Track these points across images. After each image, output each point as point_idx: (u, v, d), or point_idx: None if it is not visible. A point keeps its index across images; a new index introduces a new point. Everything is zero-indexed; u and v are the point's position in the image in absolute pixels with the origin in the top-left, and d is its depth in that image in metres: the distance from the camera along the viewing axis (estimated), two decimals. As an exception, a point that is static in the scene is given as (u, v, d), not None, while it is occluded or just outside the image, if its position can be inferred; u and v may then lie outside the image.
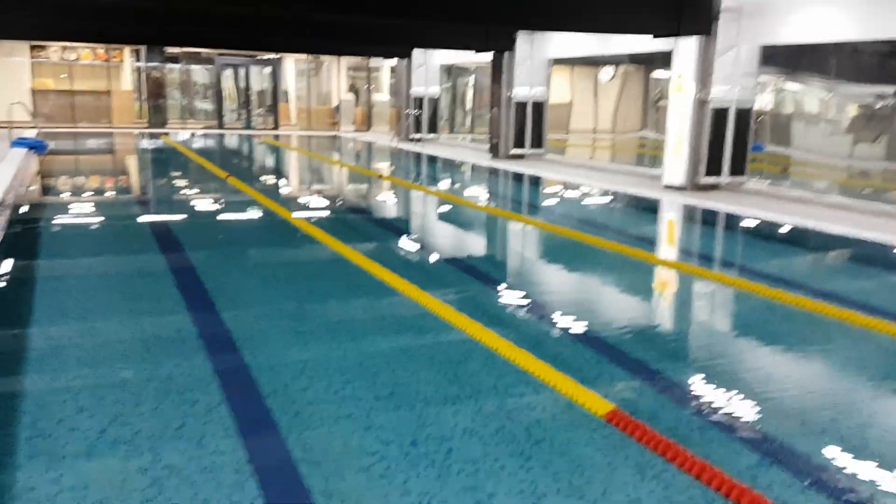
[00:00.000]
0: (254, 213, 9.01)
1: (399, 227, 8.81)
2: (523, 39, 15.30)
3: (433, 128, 21.20)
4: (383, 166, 16.21)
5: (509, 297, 5.44)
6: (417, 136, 20.86)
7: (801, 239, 8.11)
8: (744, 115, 10.62)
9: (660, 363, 4.05)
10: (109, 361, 3.83)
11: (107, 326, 4.44)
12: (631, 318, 5.13)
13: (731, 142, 10.58)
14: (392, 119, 27.20)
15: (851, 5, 9.00)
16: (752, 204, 9.65)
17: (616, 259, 6.87)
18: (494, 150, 16.02)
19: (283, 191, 11.85)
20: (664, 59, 19.40)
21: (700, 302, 5.93)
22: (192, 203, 9.96)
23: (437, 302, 4.94)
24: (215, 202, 9.96)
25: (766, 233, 8.40)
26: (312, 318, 4.77)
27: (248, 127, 25.89)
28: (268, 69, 26.84)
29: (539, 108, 15.72)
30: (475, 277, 6.14)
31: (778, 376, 4.02)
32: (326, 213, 9.22)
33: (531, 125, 15.68)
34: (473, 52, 15.92)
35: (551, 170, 13.95)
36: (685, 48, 10.55)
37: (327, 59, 28.12)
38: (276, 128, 26.09)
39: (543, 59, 15.51)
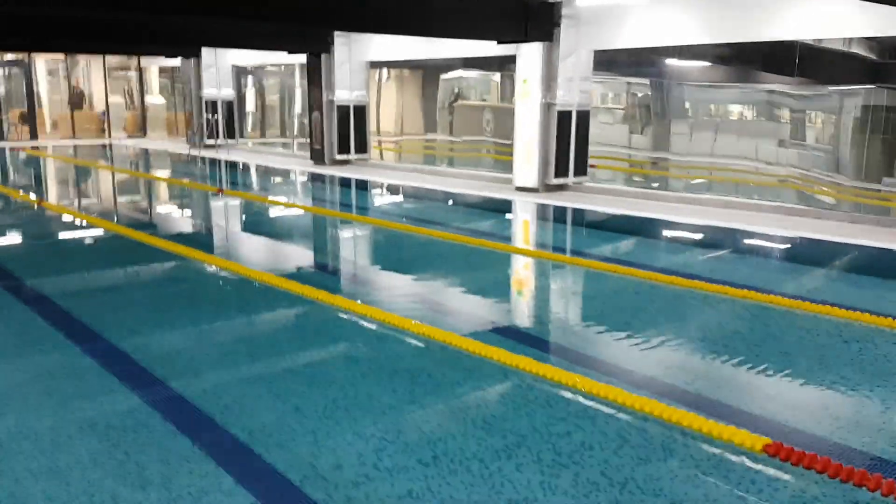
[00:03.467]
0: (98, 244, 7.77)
1: (287, 250, 8.12)
2: (341, 41, 14.87)
3: (230, 133, 19.91)
4: (196, 177, 14.88)
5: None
6: (212, 142, 19.45)
7: (649, 226, 8.89)
8: (583, 118, 11.25)
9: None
10: None
11: None
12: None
13: (575, 143, 11.15)
14: (172, 124, 25.16)
15: (668, 18, 9.98)
16: (600, 202, 10.33)
17: (500, 255, 7.09)
18: (317, 156, 15.43)
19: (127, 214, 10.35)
20: (469, 63, 19.91)
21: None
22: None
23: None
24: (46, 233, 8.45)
25: (629, 225, 9.05)
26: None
27: (-2, 138, 22.37)
28: (16, 70, 23.40)
29: (361, 111, 15.40)
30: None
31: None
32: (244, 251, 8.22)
33: (354, 129, 15.32)
34: (287, 53, 15.16)
35: (392, 175, 13.74)
36: (528, 54, 10.90)
37: (84, 58, 25.13)
38: (34, 137, 22.84)
39: (362, 62, 15.20)
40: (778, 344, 4.74)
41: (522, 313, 5.74)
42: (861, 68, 15.18)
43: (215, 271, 6.67)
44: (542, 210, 10.25)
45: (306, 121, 26.60)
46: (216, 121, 19.37)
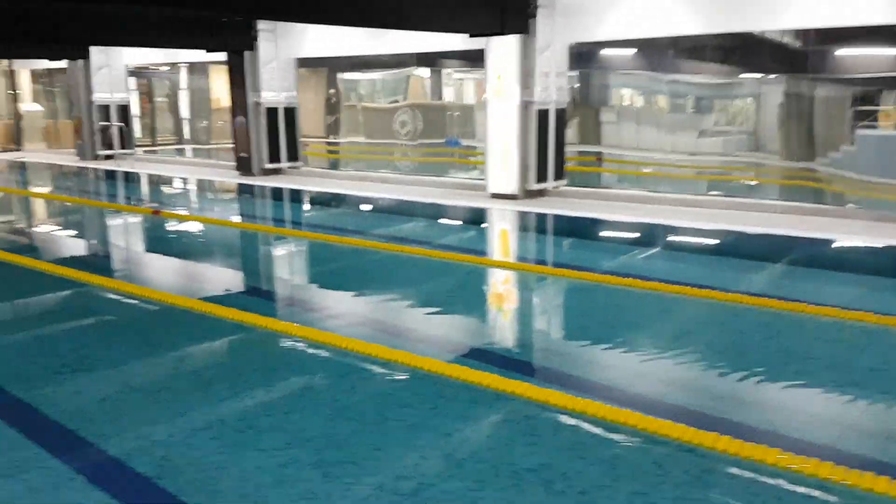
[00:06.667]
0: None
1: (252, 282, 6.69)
2: (266, 36, 13.30)
3: (126, 141, 17.73)
4: (111, 197, 12.89)
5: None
6: (108, 152, 17.25)
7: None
8: (562, 116, 10.35)
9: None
10: None
11: None
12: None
13: (554, 143, 10.24)
14: (52, 134, 22.38)
15: (659, 7, 9.26)
16: (587, 207, 9.51)
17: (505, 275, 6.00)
18: (244, 166, 13.77)
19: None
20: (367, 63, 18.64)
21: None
22: None
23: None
24: None
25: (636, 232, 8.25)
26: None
27: None
28: None
29: (291, 114, 13.88)
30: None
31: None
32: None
33: (286, 135, 13.78)
34: (205, 52, 13.40)
35: (336, 185, 12.36)
36: (502, 47, 9.89)
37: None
38: None
39: (291, 60, 13.69)
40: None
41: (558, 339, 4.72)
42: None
43: (202, 313, 5.23)
44: (530, 220, 9.27)
45: (199, 125, 24.67)
46: (111, 129, 17.16)
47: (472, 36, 9.83)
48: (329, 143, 22.57)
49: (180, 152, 20.87)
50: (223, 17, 12.37)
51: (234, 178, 13.59)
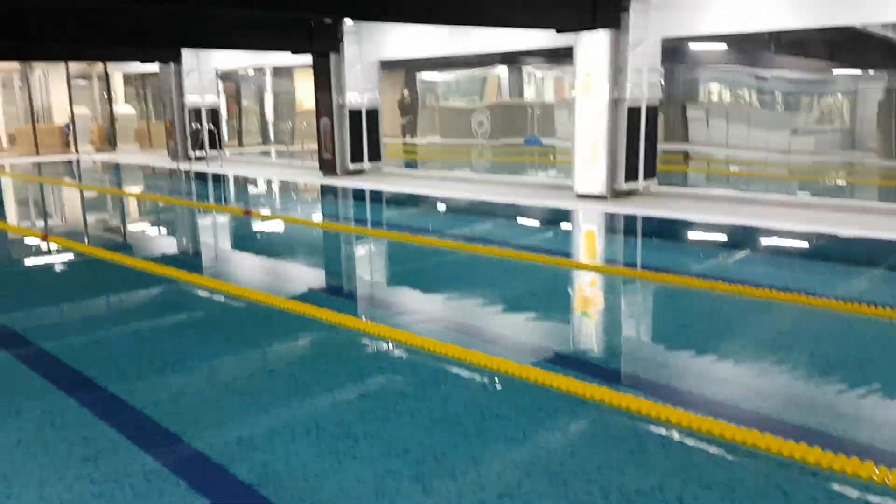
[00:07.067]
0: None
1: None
2: (351, 39, 13.40)
3: (215, 143, 18.22)
4: (207, 198, 13.26)
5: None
6: (199, 154, 17.75)
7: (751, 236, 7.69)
8: (653, 114, 10.01)
9: None
10: None
11: None
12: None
13: (644, 143, 9.91)
14: (144, 136, 23.27)
15: (746, 1, 8.81)
16: (681, 208, 9.12)
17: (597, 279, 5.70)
18: (328, 167, 13.92)
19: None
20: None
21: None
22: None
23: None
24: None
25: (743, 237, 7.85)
26: None
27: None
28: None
29: (374, 115, 13.94)
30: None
31: None
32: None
33: (367, 135, 13.85)
34: (290, 53, 13.62)
35: (419, 185, 12.33)
36: (592, 44, 9.61)
37: (40, 66, 23.05)
38: (-8, 155, 20.76)
39: (374, 61, 13.75)
40: None
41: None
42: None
43: (294, 313, 5.21)
44: (620, 221, 8.97)
45: (283, 127, 25.19)
46: (202, 131, 17.69)
47: (559, 32, 9.60)
48: (405, 143, 22.67)
49: (265, 154, 21.34)
50: (311, 19, 12.52)
51: (317, 179, 13.74)
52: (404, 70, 23.98)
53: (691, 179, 14.21)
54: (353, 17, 11.91)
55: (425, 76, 25.38)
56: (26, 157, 21.04)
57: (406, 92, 23.93)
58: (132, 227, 10.30)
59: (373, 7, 8.12)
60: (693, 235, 8.30)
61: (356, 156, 13.76)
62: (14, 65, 22.33)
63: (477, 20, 9.27)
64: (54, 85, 23.08)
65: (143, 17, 10.76)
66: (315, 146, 14.45)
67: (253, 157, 20.20)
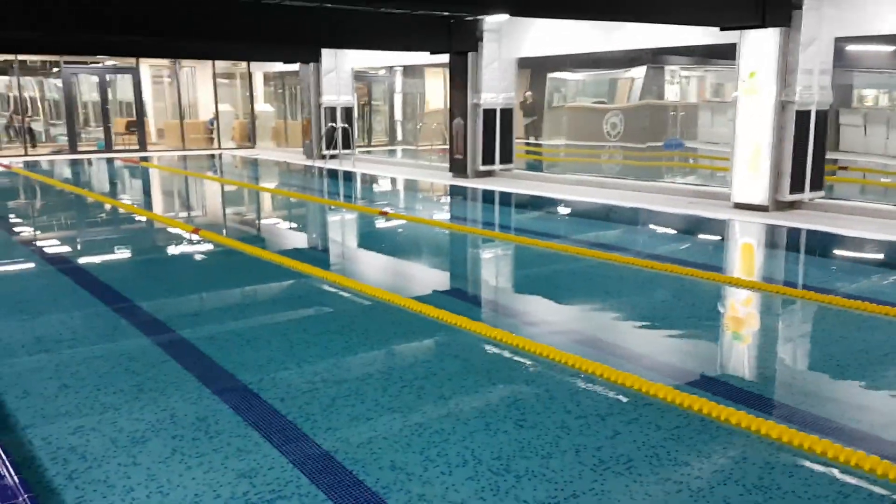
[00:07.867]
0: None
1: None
2: (491, 37, 13.05)
3: (347, 142, 18.40)
4: (345, 197, 13.31)
5: None
6: (332, 152, 17.97)
7: None
8: (823, 118, 9.04)
9: None
10: None
11: None
12: None
13: (812, 150, 8.95)
14: (280, 134, 23.97)
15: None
16: (857, 224, 8.11)
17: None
18: (458, 168, 13.64)
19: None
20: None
21: None
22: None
23: None
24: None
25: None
26: None
27: (106, 149, 21.50)
28: (126, 77, 22.62)
29: (508, 115, 13.54)
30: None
31: None
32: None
33: (500, 136, 13.46)
34: (429, 53, 13.44)
35: (553, 189, 11.80)
36: (757, 42, 8.78)
37: (188, 64, 24.21)
38: (142, 148, 21.96)
39: (512, 59, 13.35)
40: None
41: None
42: None
43: (432, 319, 4.85)
44: (783, 236, 8.10)
45: (409, 127, 25.24)
46: (337, 129, 17.91)
47: (723, 29, 8.82)
48: (528, 145, 22.07)
49: (392, 153, 21.41)
50: (455, 17, 12.26)
51: (447, 180, 13.49)
52: (530, 70, 23.38)
53: (849, 191, 12.91)
54: (511, 13, 11.46)
55: (555, 75, 24.67)
56: (173, 151, 22.12)
57: (529, 93, 23.33)
58: (267, 221, 10.36)
59: (533, 1, 7.73)
60: (867, 255, 7.35)
61: (488, 157, 13.40)
62: (165, 62, 23.54)
63: (636, 16, 8.68)
64: (201, 83, 24.20)
65: (288, 17, 10.85)
66: (441, 146, 14.22)
67: (380, 155, 20.28)
